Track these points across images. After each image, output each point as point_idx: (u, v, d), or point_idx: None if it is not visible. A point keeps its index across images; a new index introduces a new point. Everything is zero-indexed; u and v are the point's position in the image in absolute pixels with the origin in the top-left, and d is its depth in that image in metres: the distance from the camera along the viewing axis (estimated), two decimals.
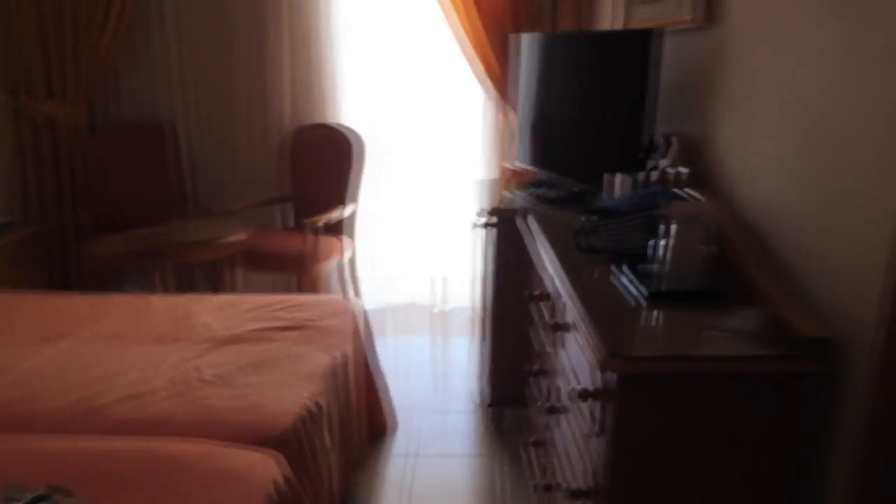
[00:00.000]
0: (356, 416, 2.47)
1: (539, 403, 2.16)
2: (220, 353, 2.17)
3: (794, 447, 1.34)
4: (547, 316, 2.03)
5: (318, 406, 1.98)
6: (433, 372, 3.46)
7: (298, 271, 3.48)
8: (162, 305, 2.56)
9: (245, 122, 3.86)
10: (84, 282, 3.63)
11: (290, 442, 1.78)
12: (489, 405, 2.87)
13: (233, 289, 3.40)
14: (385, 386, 2.88)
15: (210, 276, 3.75)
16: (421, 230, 4.11)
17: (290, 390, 1.96)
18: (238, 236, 3.28)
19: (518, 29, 3.40)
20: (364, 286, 3.98)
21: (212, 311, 2.50)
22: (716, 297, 1.54)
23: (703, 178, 1.98)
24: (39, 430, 1.77)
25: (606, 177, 2.17)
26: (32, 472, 1.29)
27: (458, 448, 2.77)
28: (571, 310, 1.59)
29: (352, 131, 3.74)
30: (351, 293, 3.81)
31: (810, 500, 1.38)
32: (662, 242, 1.58)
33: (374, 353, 2.80)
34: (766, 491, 1.36)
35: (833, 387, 1.31)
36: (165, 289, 3.25)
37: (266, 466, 1.64)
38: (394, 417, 2.91)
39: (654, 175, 2.11)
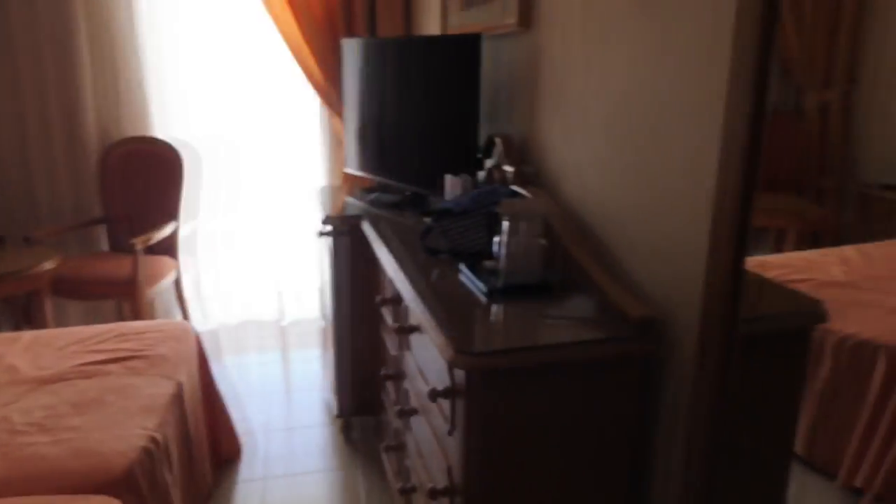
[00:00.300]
0: (198, 446, 2.32)
1: (393, 408, 2.15)
2: (33, 397, 1.95)
3: (632, 425, 1.43)
4: (395, 319, 2.02)
5: (157, 441, 1.84)
6: (282, 388, 3.34)
7: (124, 297, 3.22)
8: None
9: (42, 142, 3.51)
10: None
11: (128, 485, 1.64)
12: (341, 416, 2.82)
13: (43, 324, 3.07)
14: (226, 411, 2.73)
15: (16, 313, 3.37)
16: (265, 242, 3.96)
17: (123, 428, 1.80)
18: (48, 264, 2.97)
19: (336, 35, 3.37)
20: (207, 305, 3.78)
21: (19, 352, 2.25)
22: (551, 288, 1.61)
23: (531, 175, 2.07)
24: None
25: (444, 178, 2.21)
26: None
27: (311, 464, 2.70)
28: (416, 311, 1.59)
29: (172, 143, 3.52)
30: (183, 315, 3.59)
31: (649, 475, 1.48)
32: (499, 239, 1.63)
33: (212, 378, 2.65)
34: (610, 469, 1.44)
35: (664, 366, 1.41)
36: None
37: None
38: (238, 443, 2.77)
39: (488, 175, 2.18)
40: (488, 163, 2.21)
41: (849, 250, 2.58)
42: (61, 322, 3.35)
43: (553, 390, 1.37)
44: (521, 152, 2.14)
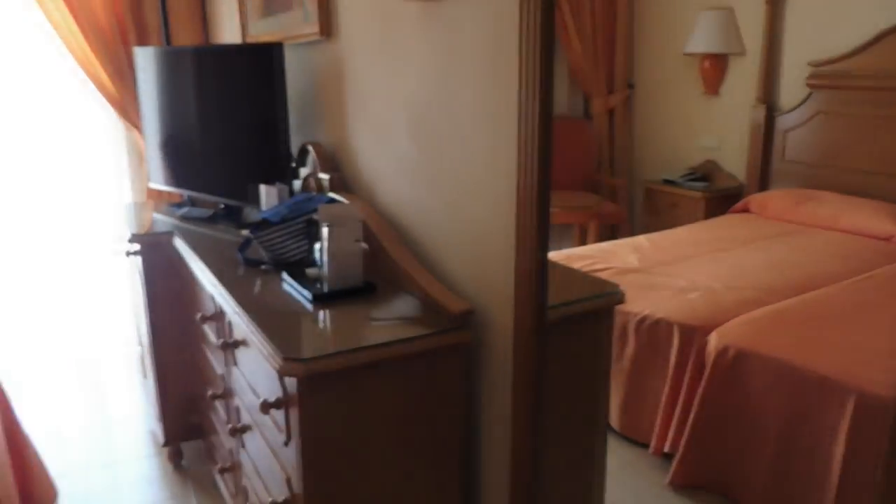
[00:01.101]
0: (10, 494, 2.11)
1: (224, 427, 2.09)
2: None
3: (459, 412, 1.52)
4: (218, 336, 1.97)
5: None
6: (99, 422, 3.09)
7: None
8: None
9: None
10: None
11: None
12: (167, 444, 2.68)
13: None
14: (36, 453, 2.49)
15: None
16: (63, 268, 3.64)
17: None
18: None
19: (128, 44, 3.20)
20: (1, 342, 3.40)
21: None
22: (374, 290, 1.66)
23: (346, 182, 2.10)
24: None
25: (258, 189, 2.18)
26: None
27: (139, 499, 2.54)
28: (240, 324, 1.57)
29: None
30: None
31: (479, 456, 1.58)
32: (318, 246, 1.65)
33: (16, 420, 2.41)
34: (443, 455, 1.52)
35: (484, 354, 1.51)
36: None
37: None
38: (53, 488, 2.53)
39: (303, 183, 2.19)
40: (303, 171, 2.21)
41: (641, 239, 2.89)
42: None
43: (384, 388, 1.42)
44: (334, 159, 2.17)
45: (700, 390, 2.17)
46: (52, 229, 3.59)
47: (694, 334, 2.24)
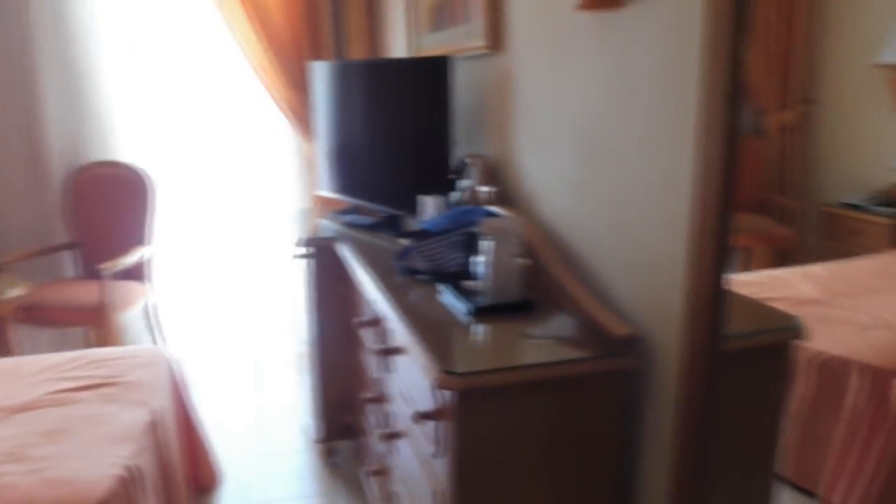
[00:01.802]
0: (176, 473, 2.28)
1: (376, 431, 2.14)
2: (4, 427, 1.90)
3: (617, 441, 1.45)
4: (376, 342, 2.02)
5: (132, 470, 1.80)
6: (261, 415, 3.28)
7: (94, 323, 3.16)
8: None
9: (5, 168, 3.45)
10: None
11: None
12: (320, 441, 2.79)
13: (9, 352, 3.00)
14: (206, 436, 2.68)
15: None
16: (237, 267, 3.92)
17: (98, 456, 1.76)
18: (14, 291, 2.91)
19: (304, 58, 3.39)
20: (180, 332, 3.71)
21: None
22: (532, 307, 1.62)
23: (507, 194, 2.09)
24: None
25: (419, 199, 2.22)
26: None
27: (291, 491, 2.65)
28: (400, 333, 1.59)
29: (137, 168, 3.49)
30: (153, 341, 3.53)
31: (635, 490, 1.50)
32: (480, 258, 1.64)
33: (191, 402, 2.61)
34: (596, 484, 1.45)
35: (647, 382, 1.43)
36: None
37: None
38: (218, 469, 2.72)
39: (464, 195, 2.20)
40: (462, 183, 2.22)
41: (816, 268, 2.64)
42: (25, 351, 3.27)
43: (538, 409, 1.38)
44: (496, 172, 2.16)
45: (881, 441, 1.94)
46: (235, 230, 3.87)
47: (877, 377, 2.01)
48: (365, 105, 2.70)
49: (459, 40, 2.36)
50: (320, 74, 2.96)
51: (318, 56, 3.42)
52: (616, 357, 1.39)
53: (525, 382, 1.34)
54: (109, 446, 1.82)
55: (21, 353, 3.04)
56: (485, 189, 2.07)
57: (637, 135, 1.41)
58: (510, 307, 1.61)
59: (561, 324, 1.55)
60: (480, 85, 2.31)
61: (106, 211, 3.49)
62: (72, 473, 1.68)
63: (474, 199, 2.15)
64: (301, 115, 3.46)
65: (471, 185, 2.18)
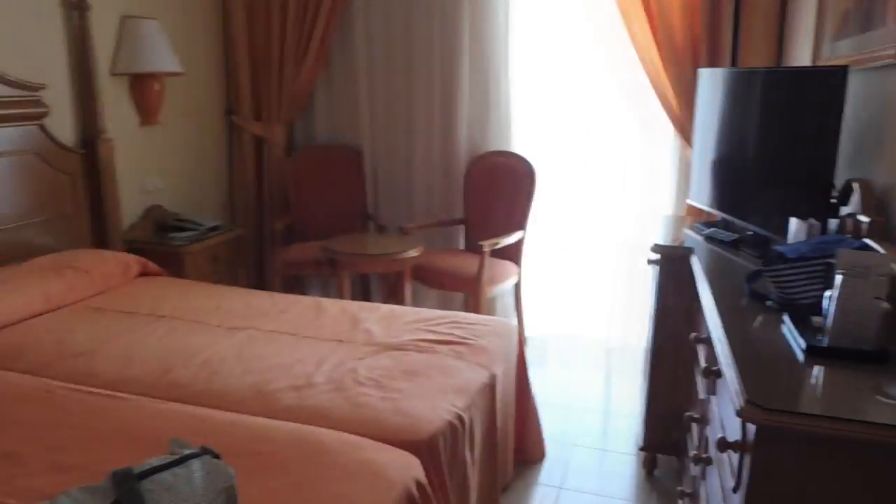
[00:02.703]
0: (503, 438, 2.50)
1: (692, 453, 2.07)
2: (378, 358, 2.30)
3: None
4: (706, 360, 1.95)
5: (462, 420, 2.04)
6: (591, 408, 3.39)
7: (467, 291, 3.59)
8: (333, 310, 2.77)
9: (424, 147, 4.08)
10: (272, 282, 4.01)
11: (430, 449, 1.85)
12: (643, 449, 2.78)
13: (402, 301, 3.58)
14: (536, 414, 2.88)
15: (383, 288, 3.99)
16: (594, 262, 4.07)
17: (437, 400, 2.04)
18: (412, 252, 3.46)
19: (697, 63, 3.31)
20: (531, 314, 4.01)
21: (377, 319, 2.66)
22: (885, 359, 1.40)
23: (892, 230, 1.81)
24: (216, 406, 1.99)
25: (789, 222, 2.05)
26: (202, 438, 1.46)
27: (607, 489, 2.70)
28: (723, 354, 1.52)
29: (526, 159, 3.82)
30: (517, 318, 3.86)
31: None
32: (829, 294, 1.47)
33: (527, 380, 2.82)
34: None
35: None
36: (342, 295, 3.50)
37: (407, 465, 1.72)
38: (542, 447, 2.90)
39: (841, 223, 1.97)
40: (843, 210, 1.98)
41: None
42: (417, 303, 3.85)
43: (863, 475, 1.20)
44: (883, 202, 1.88)
45: None
46: (601, 225, 4.00)
47: None
48: (750, 116, 2.56)
49: (867, 47, 2.09)
50: (708, 81, 2.88)
51: (710, 63, 3.32)
52: None
53: (845, 438, 1.18)
54: (448, 394, 2.09)
55: (410, 304, 3.61)
56: (864, 219, 1.82)
57: None
58: (859, 354, 1.41)
59: None
60: (884, 101, 2.02)
61: (494, 195, 3.91)
62: (414, 409, 1.98)
63: (854, 229, 1.91)
64: (685, 121, 3.41)
65: (851, 212, 1.94)
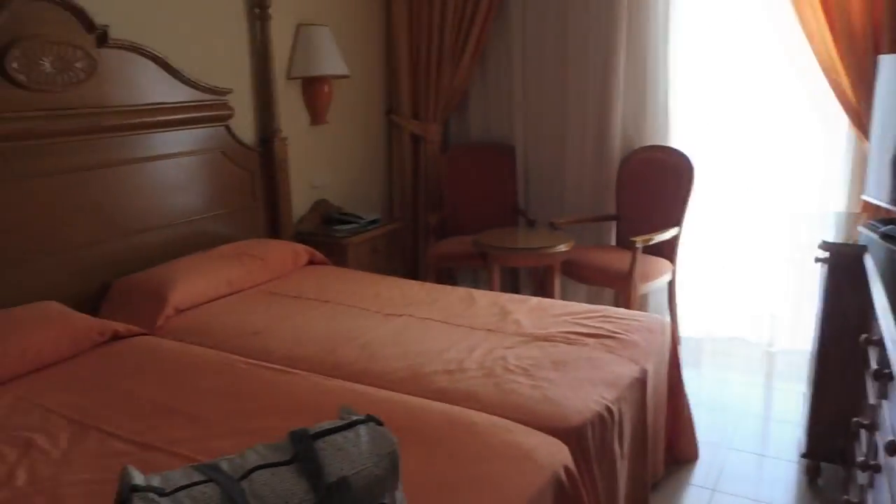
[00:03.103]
0: (653, 435, 2.47)
1: (860, 461, 1.95)
2: (526, 348, 2.36)
3: None
4: (875, 363, 1.83)
5: (612, 412, 2.05)
6: (749, 412, 3.24)
7: (617, 287, 3.56)
8: (484, 301, 2.85)
9: (577, 143, 4.08)
10: (425, 273, 4.18)
11: (579, 438, 1.88)
12: (806, 457, 2.63)
13: (551, 296, 3.60)
14: (689, 414, 2.81)
15: (532, 281, 4.03)
16: (752, 261, 3.89)
17: (586, 391, 2.06)
18: (562, 247, 3.49)
19: (878, 50, 3.06)
20: (685, 313, 3.90)
21: (526, 311, 2.71)
22: None
23: None
24: (375, 385, 2.14)
25: None
26: (364, 411, 1.58)
27: (764, 495, 2.59)
28: (895, 357, 1.43)
29: (684, 153, 3.71)
30: (671, 316, 3.77)
31: None
32: None
33: (681, 378, 2.76)
34: None
35: None
36: (492, 288, 3.58)
37: (556, 451, 1.77)
38: (695, 448, 2.82)
39: None
40: None
41: None
42: (565, 298, 3.86)
43: None
44: None
45: None
46: (762, 222, 3.81)
47: None
48: None
49: None
50: (891, 69, 2.66)
51: (894, 49, 3.06)
52: None
53: None
54: (598, 386, 2.10)
55: (559, 298, 3.63)
56: None
57: None
58: None
59: None
60: None
61: (648, 190, 3.83)
62: (563, 398, 2.01)
63: None
64: (862, 114, 3.17)
65: None
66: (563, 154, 4.14)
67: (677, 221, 3.69)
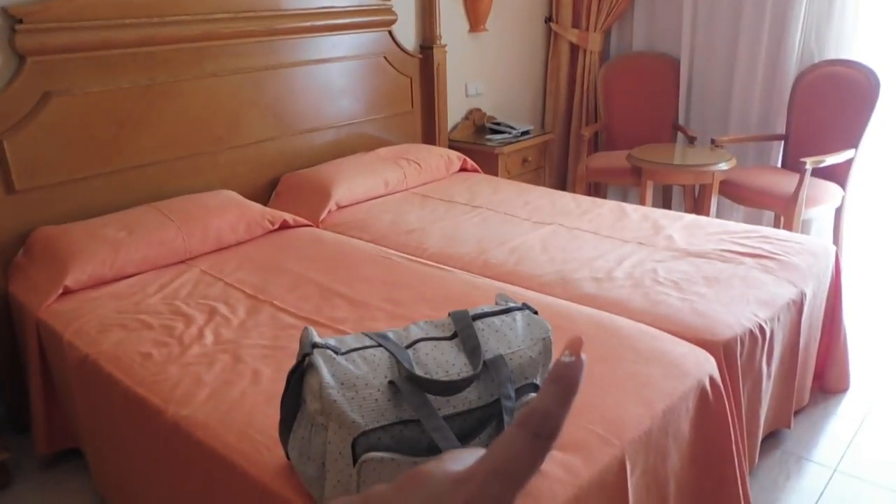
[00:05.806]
0: (804, 360, 2.39)
1: None
2: (678, 263, 2.33)
3: None
4: None
5: (763, 331, 2.00)
6: None
7: (779, 210, 3.38)
8: (636, 215, 2.82)
9: (749, 57, 3.82)
10: (574, 186, 4.16)
11: (727, 353, 1.87)
12: None
13: (706, 213, 3.48)
14: (845, 345, 2.68)
15: (686, 201, 3.91)
16: None
17: (737, 308, 2.02)
18: (723, 165, 3.34)
19: None
20: (852, 242, 3.65)
21: (679, 227, 2.66)
22: None
23: None
24: (523, 286, 2.21)
25: None
26: None
27: None
28: None
29: (870, 69, 3.38)
30: (837, 243, 3.54)
31: None
32: None
33: (840, 307, 2.62)
34: None
35: None
36: (644, 204, 3.51)
37: (703, 361, 1.77)
38: (847, 379, 2.71)
39: None
40: None
41: None
42: (720, 216, 3.72)
43: None
44: None
45: None
46: None
47: None
48: None
49: None
50: None
51: None
52: None
53: None
54: (751, 304, 2.06)
55: (714, 216, 3.50)
56: None
57: None
58: None
59: None
60: None
61: (824, 109, 3.55)
62: (713, 313, 1.99)
63: None
64: None
65: None
66: (733, 66, 3.89)
67: (854, 143, 3.41)
